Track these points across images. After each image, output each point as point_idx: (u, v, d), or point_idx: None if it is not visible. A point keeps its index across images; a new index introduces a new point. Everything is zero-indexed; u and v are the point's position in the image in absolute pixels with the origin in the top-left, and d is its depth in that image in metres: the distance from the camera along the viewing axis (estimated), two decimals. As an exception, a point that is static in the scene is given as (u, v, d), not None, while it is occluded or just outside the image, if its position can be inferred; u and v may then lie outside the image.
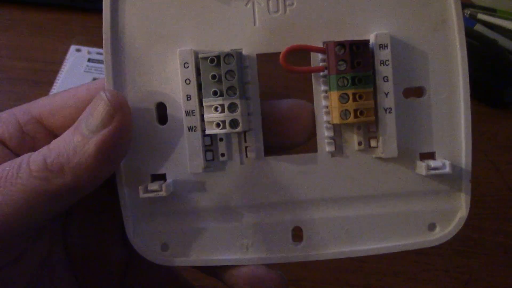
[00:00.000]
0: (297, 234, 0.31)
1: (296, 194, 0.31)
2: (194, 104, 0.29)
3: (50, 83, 0.61)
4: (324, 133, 0.30)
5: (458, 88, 0.30)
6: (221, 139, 0.30)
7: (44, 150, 0.27)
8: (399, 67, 0.29)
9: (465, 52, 0.29)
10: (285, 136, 0.31)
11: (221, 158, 0.30)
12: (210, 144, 0.30)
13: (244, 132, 0.30)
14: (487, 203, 0.56)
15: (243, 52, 0.30)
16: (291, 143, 0.32)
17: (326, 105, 0.30)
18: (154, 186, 0.29)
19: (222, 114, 0.28)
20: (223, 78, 0.28)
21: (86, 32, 0.66)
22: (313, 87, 0.30)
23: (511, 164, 0.60)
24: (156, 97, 0.30)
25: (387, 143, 0.29)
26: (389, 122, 0.29)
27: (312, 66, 0.30)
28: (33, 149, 0.28)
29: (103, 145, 0.26)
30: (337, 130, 0.30)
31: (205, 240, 0.31)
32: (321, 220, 0.31)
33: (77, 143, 0.26)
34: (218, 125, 0.29)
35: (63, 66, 0.63)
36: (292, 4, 0.30)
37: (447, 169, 0.29)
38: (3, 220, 0.25)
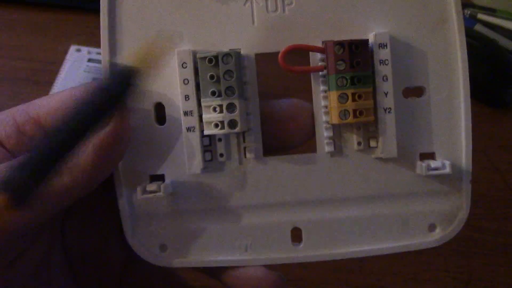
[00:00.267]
0: (296, 235, 0.31)
1: (295, 194, 0.30)
2: (192, 104, 0.29)
3: (50, 83, 0.61)
4: (323, 133, 0.30)
5: (458, 88, 0.30)
6: (219, 140, 0.30)
7: None
8: (399, 66, 0.29)
9: (465, 51, 0.29)
10: (284, 136, 0.31)
11: (220, 159, 0.30)
12: (209, 144, 0.30)
13: (243, 133, 0.30)
14: (487, 203, 0.56)
15: (242, 52, 0.30)
16: (290, 143, 0.31)
17: (325, 105, 0.30)
18: (152, 186, 0.29)
19: (220, 115, 0.28)
20: (221, 78, 0.28)
21: (86, 32, 0.66)
22: (312, 87, 0.30)
23: (511, 164, 0.60)
24: (154, 97, 0.30)
25: (386, 143, 0.29)
26: (389, 122, 0.29)
27: (311, 65, 0.30)
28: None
29: (101, 146, 0.26)
30: (337, 130, 0.30)
31: (203, 241, 0.31)
32: (320, 220, 0.31)
33: None
34: (216, 125, 0.29)
35: (63, 66, 0.63)
36: (291, 3, 0.30)
37: (447, 170, 0.29)
38: (0, 222, 0.25)
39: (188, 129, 0.29)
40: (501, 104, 0.65)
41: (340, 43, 0.28)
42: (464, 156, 0.30)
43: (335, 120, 0.29)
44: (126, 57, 0.25)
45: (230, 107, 0.28)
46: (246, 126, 0.29)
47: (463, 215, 0.31)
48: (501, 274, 0.52)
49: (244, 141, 0.30)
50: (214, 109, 0.28)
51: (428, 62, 0.30)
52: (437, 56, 0.30)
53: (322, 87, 0.30)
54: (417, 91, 0.30)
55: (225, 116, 0.28)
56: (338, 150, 0.30)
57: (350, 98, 0.28)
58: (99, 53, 0.64)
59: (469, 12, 0.71)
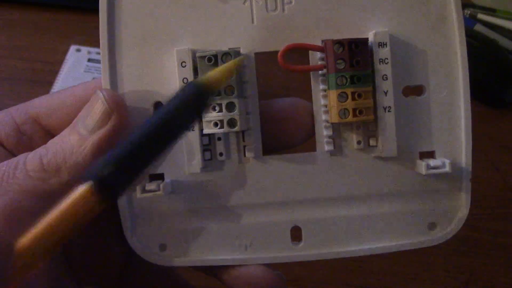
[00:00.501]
0: (296, 234, 0.31)
1: (295, 193, 0.30)
2: None
3: (50, 83, 0.61)
4: (323, 132, 0.30)
5: (458, 86, 0.30)
6: (219, 139, 0.30)
7: (40, 150, 0.27)
8: (399, 65, 0.29)
9: (465, 50, 0.29)
10: (284, 135, 0.31)
11: (219, 158, 0.30)
12: (208, 143, 0.30)
13: (243, 132, 0.30)
14: (487, 203, 0.56)
15: (241, 51, 0.30)
16: (290, 142, 0.31)
17: (325, 104, 0.30)
18: (152, 186, 0.29)
19: (220, 114, 0.28)
20: None
21: (86, 32, 0.66)
22: (312, 86, 0.30)
23: (511, 164, 0.60)
24: (154, 96, 0.30)
25: (386, 142, 0.29)
26: (389, 121, 0.29)
27: (310, 64, 0.30)
28: (30, 148, 0.28)
29: (100, 144, 0.26)
30: (336, 129, 0.30)
31: (203, 240, 0.31)
32: (320, 219, 0.31)
33: (74, 142, 0.26)
34: (216, 124, 0.28)
35: (63, 66, 0.63)
36: (290, 2, 0.30)
37: (447, 168, 0.29)
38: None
39: None
40: (501, 104, 0.65)
41: (340, 42, 0.28)
42: (464, 154, 0.30)
43: (335, 119, 0.29)
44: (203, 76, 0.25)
45: (230, 106, 0.28)
46: (245, 125, 0.29)
47: (463, 213, 0.31)
48: (501, 274, 0.52)
49: (243, 140, 0.30)
50: (214, 108, 0.28)
51: (428, 61, 0.30)
52: (437, 54, 0.30)
53: (321, 86, 0.30)
54: (417, 90, 0.30)
55: (224, 115, 0.28)
56: (337, 149, 0.30)
57: (349, 97, 0.28)
58: (99, 53, 0.63)
59: (469, 12, 0.71)
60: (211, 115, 0.28)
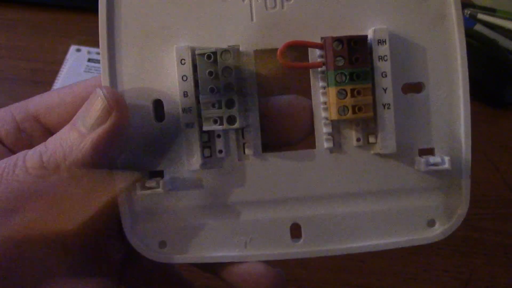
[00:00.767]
0: (296, 231, 0.31)
1: (294, 190, 0.30)
2: (191, 100, 0.29)
3: (50, 83, 0.61)
4: (322, 129, 0.30)
5: (457, 84, 0.30)
6: (218, 136, 0.30)
7: (40, 147, 0.27)
8: (398, 62, 0.29)
9: (465, 47, 0.29)
10: (283, 133, 0.31)
11: (219, 155, 0.30)
12: (208, 140, 0.30)
13: (242, 129, 0.30)
14: (487, 203, 0.56)
15: (241, 49, 0.30)
16: (289, 140, 0.32)
17: (324, 101, 0.30)
18: (151, 183, 0.29)
19: (219, 111, 0.28)
20: (220, 75, 0.28)
21: (86, 32, 0.66)
22: (311, 83, 0.30)
23: (511, 164, 0.60)
24: (153, 93, 0.30)
25: (385, 139, 0.29)
26: (388, 118, 0.29)
27: (310, 62, 0.30)
28: (30, 146, 0.28)
29: (100, 142, 0.26)
30: (336, 126, 0.30)
31: (203, 237, 0.31)
32: (320, 216, 0.31)
33: (73, 140, 0.26)
34: (215, 121, 0.29)
35: (63, 66, 0.63)
36: None
37: (446, 165, 0.29)
38: None
39: (187, 125, 0.29)
40: (501, 104, 0.65)
41: (339, 39, 0.28)
42: (463, 151, 0.30)
43: (334, 116, 0.29)
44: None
45: (229, 103, 0.28)
46: (245, 122, 0.30)
47: (462, 210, 0.31)
48: (501, 274, 0.52)
49: (243, 137, 0.30)
50: (213, 105, 0.28)
51: (427, 58, 0.30)
52: (436, 52, 0.30)
53: (321, 83, 0.30)
54: (416, 87, 0.30)
55: (224, 112, 0.28)
56: (337, 146, 0.30)
57: (349, 94, 0.28)
58: (99, 53, 0.63)
59: (469, 12, 0.71)
60: (211, 112, 0.28)
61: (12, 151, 0.29)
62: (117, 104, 0.27)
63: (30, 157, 0.26)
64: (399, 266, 0.52)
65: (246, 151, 0.30)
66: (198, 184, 0.30)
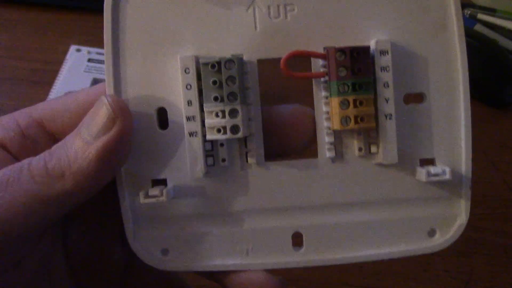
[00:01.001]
0: (298, 240, 0.31)
1: (296, 199, 0.31)
2: (195, 109, 0.29)
3: (50, 83, 0.61)
4: (324, 139, 0.30)
5: (459, 94, 0.30)
6: (222, 145, 0.30)
7: (45, 155, 0.27)
8: (400, 73, 0.29)
9: (466, 58, 0.29)
10: (286, 142, 0.31)
11: (222, 164, 0.30)
12: (211, 149, 0.30)
13: (245, 138, 0.30)
14: (487, 203, 0.56)
15: (244, 58, 0.30)
16: (292, 149, 0.32)
17: (327, 111, 0.30)
18: (154, 191, 0.29)
19: (223, 120, 0.28)
20: (224, 84, 0.28)
21: (86, 32, 0.66)
22: (314, 92, 0.30)
23: (511, 164, 0.60)
24: (157, 102, 0.30)
25: (387, 149, 0.29)
26: (390, 128, 0.29)
27: (312, 71, 0.30)
28: (34, 153, 0.28)
29: (104, 150, 0.26)
30: (338, 136, 0.30)
31: (205, 245, 0.31)
32: (321, 225, 0.31)
33: (78, 148, 0.26)
34: (219, 130, 0.29)
35: (63, 66, 0.63)
36: (293, 9, 0.30)
37: (447, 176, 0.29)
38: (3, 224, 0.25)
39: (191, 134, 0.29)
40: (501, 104, 0.65)
41: (342, 50, 0.28)
42: (464, 162, 0.30)
43: (337, 126, 0.29)
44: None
45: (233, 113, 0.28)
46: (248, 131, 0.30)
47: (462, 220, 0.31)
48: (501, 274, 0.52)
49: (246, 146, 0.30)
50: (217, 115, 0.29)
51: (428, 69, 0.30)
52: (438, 62, 0.30)
53: (323, 93, 0.30)
54: (418, 98, 0.30)
55: (227, 121, 0.28)
56: (339, 155, 0.30)
57: (351, 104, 0.28)
58: (99, 53, 0.64)
59: (469, 12, 0.71)
60: (214, 121, 0.29)
61: (17, 158, 0.29)
62: (121, 112, 0.27)
63: (35, 164, 0.26)
64: (399, 266, 0.52)
65: (249, 160, 0.30)
66: (201, 192, 0.30)
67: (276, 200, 0.31)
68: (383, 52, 0.29)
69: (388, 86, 0.29)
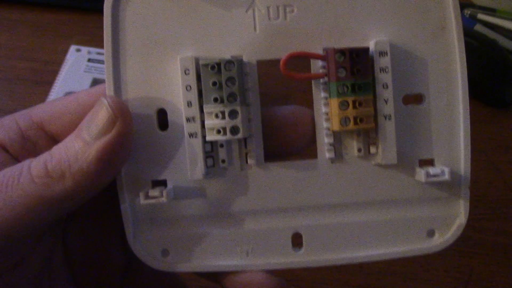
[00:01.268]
0: (297, 240, 0.31)
1: (296, 200, 0.31)
2: (195, 110, 0.29)
3: (50, 83, 0.61)
4: (324, 140, 0.30)
5: (458, 95, 0.30)
6: (221, 146, 0.30)
7: (45, 156, 0.27)
8: (399, 74, 0.30)
9: (464, 59, 0.29)
10: (285, 142, 0.31)
11: (222, 164, 0.30)
12: (211, 150, 0.30)
13: (245, 139, 0.30)
14: (487, 203, 0.56)
15: (244, 59, 0.30)
16: (291, 149, 0.32)
17: (326, 111, 0.30)
18: (155, 192, 0.29)
19: (222, 121, 0.28)
20: (223, 85, 0.28)
21: (86, 32, 0.66)
22: (313, 93, 0.30)
23: (511, 164, 0.60)
24: (157, 103, 0.30)
25: (386, 149, 0.29)
26: (389, 129, 0.29)
27: (312, 72, 0.30)
28: (34, 154, 0.28)
29: (105, 151, 0.26)
30: (337, 136, 0.30)
31: (205, 246, 0.31)
32: (321, 226, 0.31)
33: (78, 149, 0.26)
34: (218, 131, 0.29)
35: (63, 66, 0.62)
36: (293, 11, 0.30)
37: (446, 176, 0.29)
38: (3, 225, 0.25)
39: (190, 135, 0.29)
40: (501, 104, 0.65)
41: (341, 51, 0.28)
42: (463, 162, 0.30)
43: (336, 127, 0.29)
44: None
45: (232, 114, 0.29)
46: (247, 132, 0.30)
47: (461, 220, 0.31)
48: (501, 274, 0.52)
49: (245, 147, 0.30)
50: (216, 116, 0.29)
51: (427, 70, 0.30)
52: (437, 63, 0.30)
53: (323, 94, 0.30)
54: (417, 98, 0.30)
55: (227, 122, 0.28)
56: (338, 156, 0.30)
57: (350, 105, 0.28)
58: (99, 53, 0.64)
59: (469, 12, 0.71)
60: (214, 122, 0.29)
61: (17, 159, 0.30)
62: (122, 113, 0.27)
63: (35, 165, 0.26)
64: (399, 266, 0.52)
65: (249, 160, 0.30)
66: (200, 193, 0.31)
67: (275, 200, 0.31)
68: (382, 53, 0.29)
69: (387, 87, 0.29)
